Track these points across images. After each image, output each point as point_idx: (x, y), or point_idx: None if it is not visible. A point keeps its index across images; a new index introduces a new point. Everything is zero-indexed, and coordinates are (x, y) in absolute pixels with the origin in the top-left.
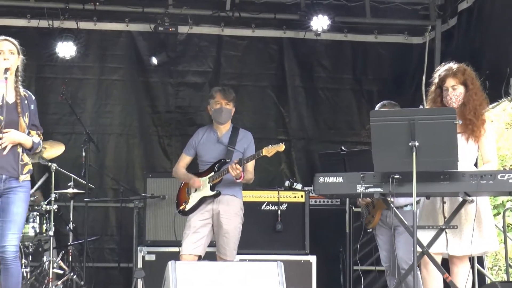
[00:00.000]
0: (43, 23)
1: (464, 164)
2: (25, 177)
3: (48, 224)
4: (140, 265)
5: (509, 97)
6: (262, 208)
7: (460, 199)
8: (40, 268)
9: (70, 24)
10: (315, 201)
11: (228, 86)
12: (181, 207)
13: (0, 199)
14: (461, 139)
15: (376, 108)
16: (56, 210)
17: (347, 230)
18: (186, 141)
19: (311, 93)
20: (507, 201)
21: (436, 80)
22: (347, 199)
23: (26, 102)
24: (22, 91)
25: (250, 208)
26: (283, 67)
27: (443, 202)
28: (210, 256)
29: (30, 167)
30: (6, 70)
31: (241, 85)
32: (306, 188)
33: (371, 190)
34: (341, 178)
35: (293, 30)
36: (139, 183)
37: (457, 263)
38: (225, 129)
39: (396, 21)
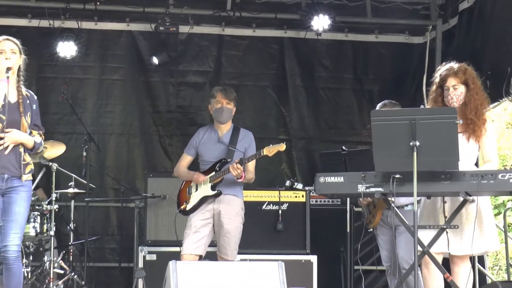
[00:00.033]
0: (44, 23)
1: (465, 163)
2: (27, 177)
3: (49, 224)
4: (141, 265)
5: (510, 97)
6: (263, 208)
7: (461, 198)
8: (41, 268)
9: (71, 24)
10: (316, 201)
11: (229, 85)
12: (182, 207)
13: (2, 198)
14: (462, 138)
15: (377, 107)
16: (57, 210)
17: (348, 230)
18: (187, 140)
19: (312, 92)
20: (508, 200)
21: (437, 80)
22: (348, 199)
23: (28, 102)
24: (24, 90)
25: (251, 208)
26: (284, 66)
27: (444, 202)
28: (211, 256)
29: (32, 166)
30: (8, 69)
31: (242, 85)
32: (307, 188)
33: (372, 189)
34: (342, 177)
35: (294, 30)
36: (140, 183)
37: (458, 262)
38: (226, 128)
39: (397, 20)
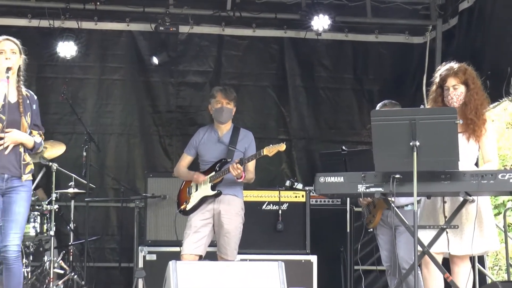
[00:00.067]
0: (44, 23)
1: (465, 163)
2: (27, 177)
3: (49, 224)
4: (141, 265)
5: (509, 97)
6: (263, 208)
7: (461, 198)
8: (41, 268)
9: (71, 24)
10: (316, 201)
11: (229, 85)
12: (182, 207)
13: (2, 198)
14: (462, 138)
15: (377, 107)
16: (57, 210)
17: (348, 230)
18: (187, 141)
19: (312, 92)
20: (508, 200)
21: (437, 80)
22: (348, 199)
23: (28, 102)
24: (24, 90)
25: (251, 208)
26: (283, 66)
27: (444, 202)
28: (211, 256)
29: (32, 166)
30: (8, 69)
31: (242, 85)
32: (307, 188)
33: (372, 189)
34: (342, 177)
35: (293, 30)
36: (140, 182)
37: (458, 262)
38: (226, 128)
39: (397, 20)
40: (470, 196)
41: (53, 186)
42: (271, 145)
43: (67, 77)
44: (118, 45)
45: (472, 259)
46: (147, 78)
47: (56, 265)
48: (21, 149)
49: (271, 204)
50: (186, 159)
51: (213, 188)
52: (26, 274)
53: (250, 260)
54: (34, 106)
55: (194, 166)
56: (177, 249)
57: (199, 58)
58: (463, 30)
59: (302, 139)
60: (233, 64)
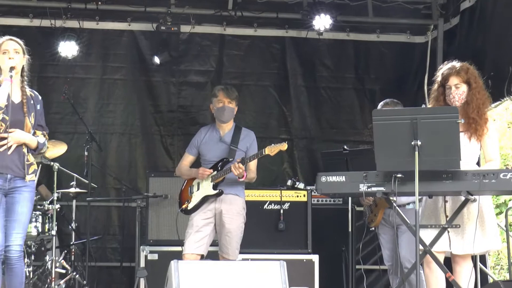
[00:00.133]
0: (45, 23)
1: (467, 163)
2: (31, 177)
3: (51, 224)
4: (142, 264)
5: (511, 96)
6: (264, 207)
7: (463, 198)
8: (43, 268)
9: (72, 24)
10: (318, 200)
11: (231, 85)
12: (184, 206)
13: (5, 198)
14: (463, 138)
15: (379, 106)
16: (58, 209)
17: (350, 229)
18: (188, 140)
19: (314, 92)
20: (510, 200)
21: (439, 79)
22: (350, 198)
23: (32, 102)
24: (28, 91)
25: (253, 207)
26: (285, 66)
27: (445, 201)
28: (212, 255)
29: (35, 167)
30: (12, 69)
31: (243, 84)
32: (308, 187)
33: (374, 189)
34: (344, 177)
35: (295, 29)
36: (141, 182)
37: (460, 262)
38: (227, 128)
39: (398, 20)
40: (472, 195)
41: (55, 185)
42: (272, 144)
43: (69, 77)
44: (120, 44)
45: (473, 258)
46: (148, 77)
47: (58, 264)
48: (25, 150)
49: (273, 204)
50: (188, 159)
51: (214, 187)
52: (27, 274)
53: (251, 259)
54: (38, 107)
55: (195, 165)
56: (178, 248)
57: (201, 57)
58: (465, 30)
59: (304, 138)
60: (235, 64)
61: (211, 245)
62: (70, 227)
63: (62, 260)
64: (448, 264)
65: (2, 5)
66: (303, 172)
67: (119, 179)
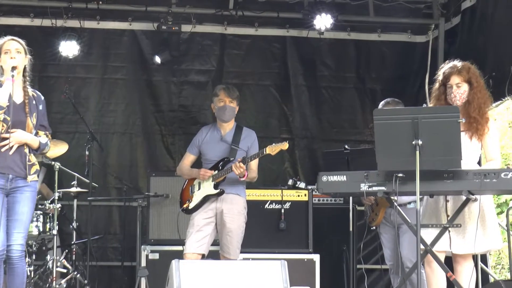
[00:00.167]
0: (46, 22)
1: (468, 162)
2: (33, 177)
3: (52, 223)
4: (143, 264)
5: None
6: (265, 207)
7: (464, 197)
8: (44, 267)
9: (73, 23)
10: (319, 200)
11: (231, 84)
12: (185, 206)
13: (7, 198)
14: (464, 137)
15: (380, 106)
16: (59, 209)
17: (351, 229)
18: (189, 140)
19: (314, 91)
20: (511, 199)
21: (440, 78)
22: (351, 198)
23: (34, 102)
24: (30, 91)
25: (254, 207)
26: (286, 65)
27: (446, 201)
28: (213, 255)
29: (37, 167)
30: (13, 68)
31: (244, 84)
32: (309, 187)
33: (375, 188)
34: (345, 176)
35: (296, 29)
36: (142, 182)
37: (461, 261)
38: (228, 127)
39: (399, 19)
40: (473, 194)
41: (56, 185)
42: (273, 144)
43: (70, 76)
44: (121, 44)
45: (475, 258)
46: (149, 77)
47: (59, 264)
48: (26, 150)
49: (274, 203)
50: (189, 158)
51: (215, 187)
52: (28, 273)
53: (252, 259)
54: (40, 107)
55: (197, 165)
56: (179, 248)
57: (202, 57)
58: (466, 29)
59: (305, 138)
60: (236, 63)
61: (212, 245)
62: (71, 226)
63: (63, 260)
64: (449, 263)
65: (3, 4)
66: (304, 171)
67: (120, 178)
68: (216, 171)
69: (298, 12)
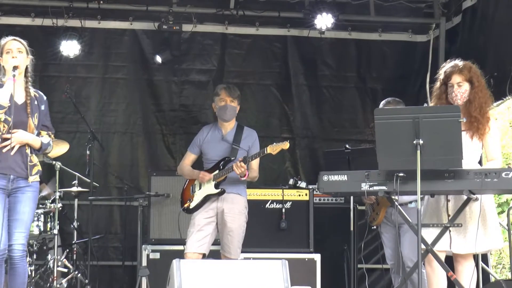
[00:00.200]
0: (47, 22)
1: (469, 162)
2: (34, 178)
3: (53, 223)
4: (144, 263)
5: None
6: (266, 206)
7: (465, 197)
8: (45, 267)
9: (74, 23)
10: (320, 199)
11: (232, 84)
12: (186, 205)
13: (8, 198)
14: (465, 136)
15: (381, 105)
16: (60, 208)
17: (352, 228)
18: (190, 139)
19: (315, 91)
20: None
21: (441, 77)
22: (352, 197)
23: (36, 102)
24: (32, 91)
25: (255, 206)
26: (287, 65)
27: (447, 200)
28: (214, 254)
29: (39, 168)
30: (15, 68)
31: (245, 83)
32: (310, 186)
33: (376, 188)
34: (346, 176)
35: (297, 28)
36: (143, 181)
37: (461, 261)
38: (229, 127)
39: (400, 19)
40: (474, 194)
41: (57, 184)
42: (274, 143)
43: (71, 76)
44: (122, 43)
45: (475, 257)
46: (150, 76)
47: (59, 263)
48: (28, 150)
49: (275, 203)
50: (189, 157)
51: (216, 186)
52: (29, 273)
53: (253, 258)
54: (42, 107)
55: (197, 164)
56: (180, 247)
57: (202, 56)
58: (467, 29)
59: (306, 137)
60: (236, 63)
61: (213, 244)
62: (72, 226)
63: (64, 259)
64: (450, 263)
65: (4, 4)
66: (305, 171)
67: (121, 178)
68: (217, 171)
69: (299, 11)
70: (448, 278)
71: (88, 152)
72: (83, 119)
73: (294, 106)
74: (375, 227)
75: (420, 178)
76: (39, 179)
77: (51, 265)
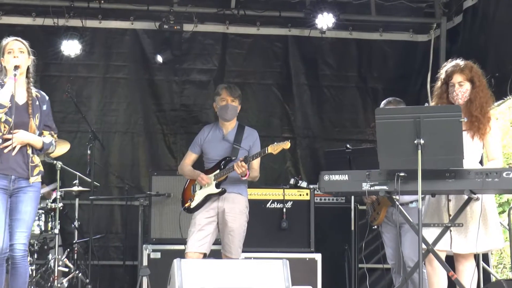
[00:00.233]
0: (48, 21)
1: (470, 161)
2: (35, 179)
3: (54, 222)
4: (145, 263)
5: None
6: (267, 206)
7: (465, 197)
8: (46, 266)
9: (75, 22)
10: (320, 199)
11: (233, 84)
12: (187, 205)
13: (10, 199)
14: (466, 136)
15: (381, 105)
16: (61, 208)
17: (352, 228)
18: (191, 139)
19: (316, 91)
20: None
21: (442, 76)
22: (352, 197)
23: (37, 103)
24: (34, 91)
25: (256, 206)
26: (288, 65)
27: (448, 200)
28: (215, 254)
29: (40, 168)
30: (16, 67)
31: (246, 83)
32: (311, 186)
33: (377, 188)
34: (346, 176)
35: (298, 28)
36: (144, 181)
37: (462, 261)
38: (230, 126)
39: (401, 18)
40: (475, 194)
41: (58, 184)
42: (275, 143)
43: (71, 76)
44: (122, 43)
45: (476, 257)
46: (151, 76)
47: (60, 263)
48: (29, 151)
49: (276, 202)
50: (190, 157)
51: (217, 186)
52: (30, 272)
53: (254, 258)
54: (44, 107)
55: (198, 164)
56: (181, 247)
57: (203, 56)
58: (468, 28)
59: (307, 137)
60: (237, 63)
61: (213, 244)
62: (73, 225)
63: (65, 259)
64: (451, 262)
65: (5, 3)
66: (305, 170)
67: (122, 177)
68: (218, 170)
69: (300, 11)
70: (449, 278)
71: (89, 152)
72: (84, 118)
73: (295, 105)
74: (376, 226)
75: (421, 178)
76: (40, 180)
77: (52, 265)
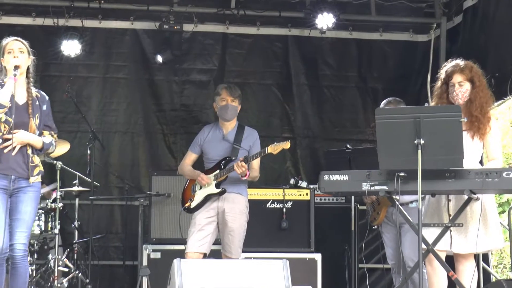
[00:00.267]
0: (48, 21)
1: (470, 161)
2: (35, 179)
3: (54, 222)
4: (145, 263)
5: None
6: (267, 206)
7: (465, 196)
8: (46, 266)
9: (75, 22)
10: (320, 199)
11: (233, 84)
12: (187, 205)
13: (10, 199)
14: (466, 136)
15: (381, 105)
16: (61, 208)
17: (352, 228)
18: (191, 139)
19: (316, 91)
20: None
21: (442, 76)
22: (352, 197)
23: (37, 103)
24: (34, 91)
25: (255, 206)
26: (288, 65)
27: (448, 200)
28: (215, 254)
29: (40, 168)
30: (16, 67)
31: (246, 83)
32: (311, 186)
33: (376, 188)
34: (346, 176)
35: (298, 28)
36: (144, 181)
37: (462, 261)
38: (230, 126)
39: (401, 18)
40: (475, 194)
41: (58, 184)
42: (275, 143)
43: (71, 76)
44: (122, 43)
45: (476, 257)
46: (151, 76)
47: (60, 263)
48: (29, 151)
49: (276, 202)
50: (190, 157)
51: (217, 186)
52: (30, 272)
53: (254, 258)
54: (44, 107)
55: (198, 164)
56: (181, 247)
57: (203, 56)
58: (468, 28)
59: (307, 137)
60: (237, 63)
61: (213, 244)
62: (73, 225)
63: (65, 259)
64: (451, 262)
65: (5, 3)
66: (305, 170)
67: (122, 177)
68: (218, 170)
69: (300, 11)
70: (449, 278)
71: (89, 152)
72: (84, 118)
73: (295, 105)
74: (376, 226)
75: (421, 178)
76: (40, 180)
77: (52, 265)
